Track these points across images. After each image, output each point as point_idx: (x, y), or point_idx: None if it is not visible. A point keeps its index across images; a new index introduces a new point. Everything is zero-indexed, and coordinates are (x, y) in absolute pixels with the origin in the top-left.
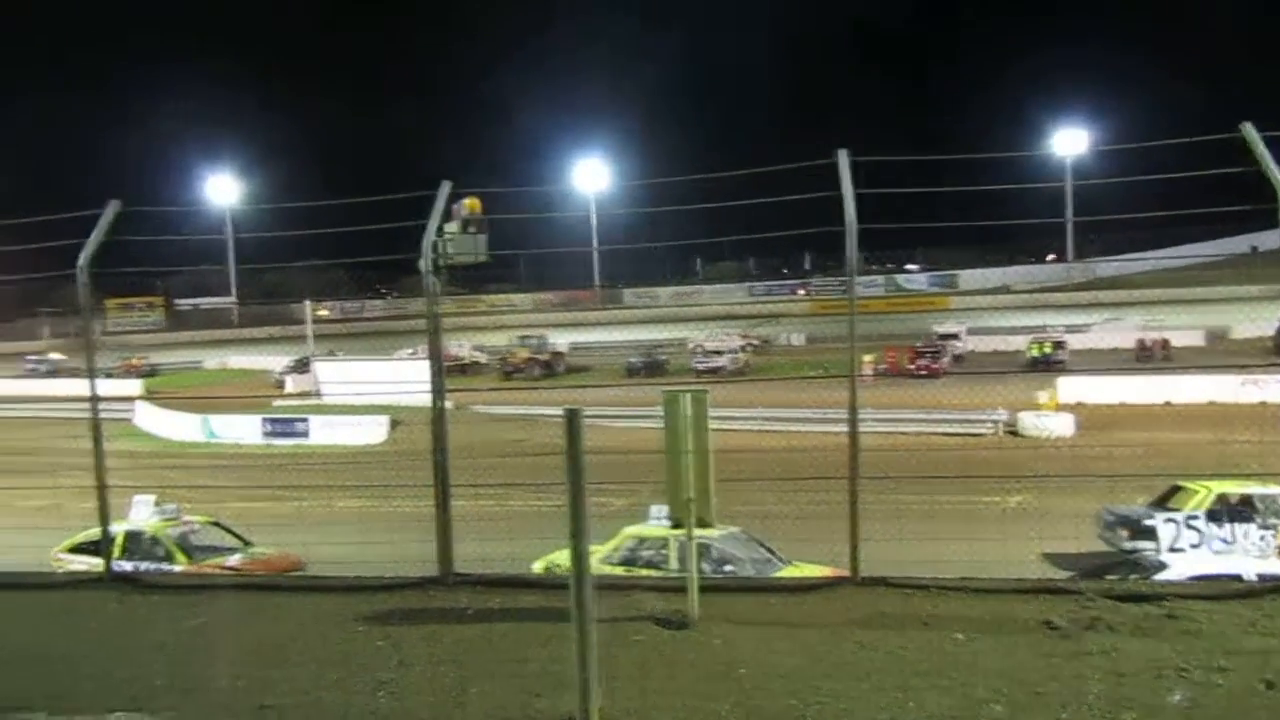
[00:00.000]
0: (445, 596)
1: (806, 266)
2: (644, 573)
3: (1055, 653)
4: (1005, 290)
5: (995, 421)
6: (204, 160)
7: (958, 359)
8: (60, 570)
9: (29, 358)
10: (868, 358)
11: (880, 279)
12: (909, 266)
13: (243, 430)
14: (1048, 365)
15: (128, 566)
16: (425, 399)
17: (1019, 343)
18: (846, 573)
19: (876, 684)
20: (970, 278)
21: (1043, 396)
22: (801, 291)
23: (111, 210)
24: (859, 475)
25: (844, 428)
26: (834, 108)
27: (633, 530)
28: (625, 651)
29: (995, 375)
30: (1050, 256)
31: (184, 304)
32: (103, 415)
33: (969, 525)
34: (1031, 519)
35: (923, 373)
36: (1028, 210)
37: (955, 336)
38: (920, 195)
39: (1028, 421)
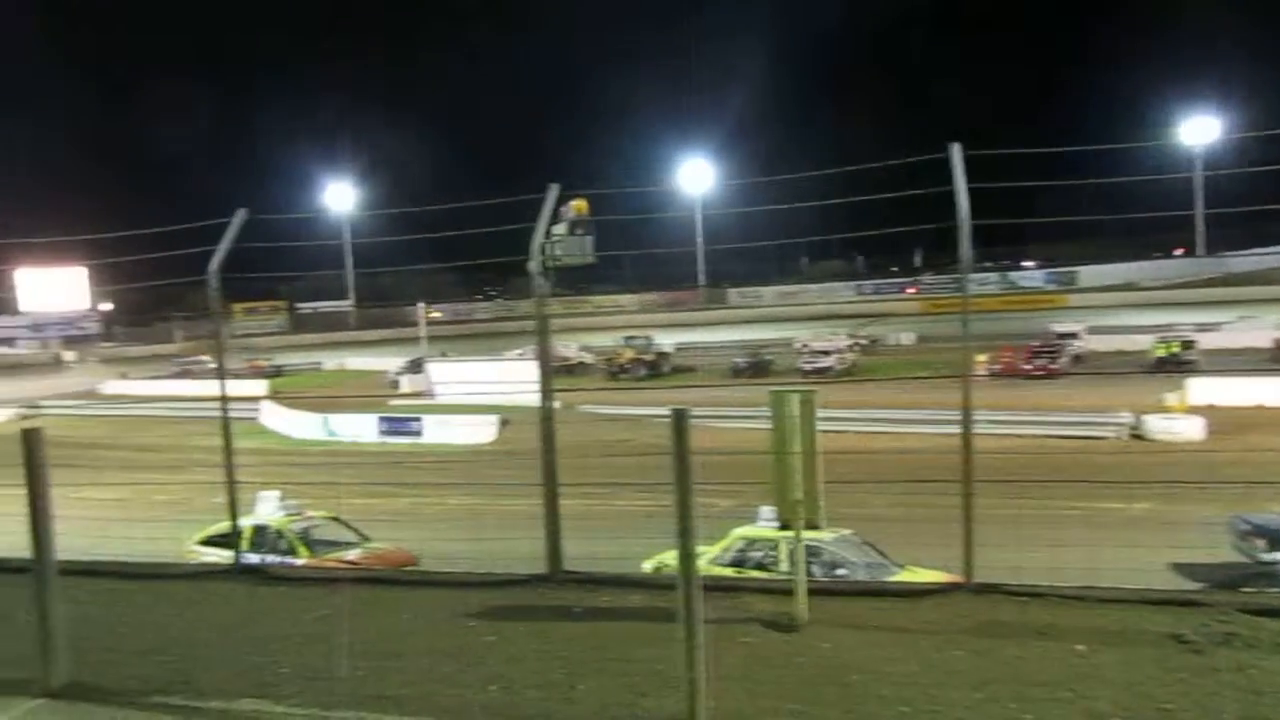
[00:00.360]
0: (554, 594)
1: (917, 264)
2: (754, 574)
3: (1185, 668)
4: (1130, 287)
5: (1119, 425)
6: (322, 168)
7: (1077, 359)
8: (193, 561)
9: (177, 360)
10: (981, 357)
11: (994, 276)
12: (1025, 263)
13: (360, 429)
14: (1176, 366)
15: (254, 559)
16: (533, 399)
17: (1144, 342)
18: (961, 579)
19: (992, 694)
20: (1091, 274)
21: (1171, 398)
22: (911, 290)
23: (239, 218)
24: (973, 479)
25: (956, 429)
26: (944, 100)
27: (742, 531)
28: (732, 653)
29: (1118, 376)
30: (1179, 251)
31: (305, 307)
32: (231, 414)
33: (1090, 532)
34: (1158, 527)
35: (1040, 373)
36: (1154, 203)
37: (1074, 335)
38: (1037, 189)
39: (1154, 425)
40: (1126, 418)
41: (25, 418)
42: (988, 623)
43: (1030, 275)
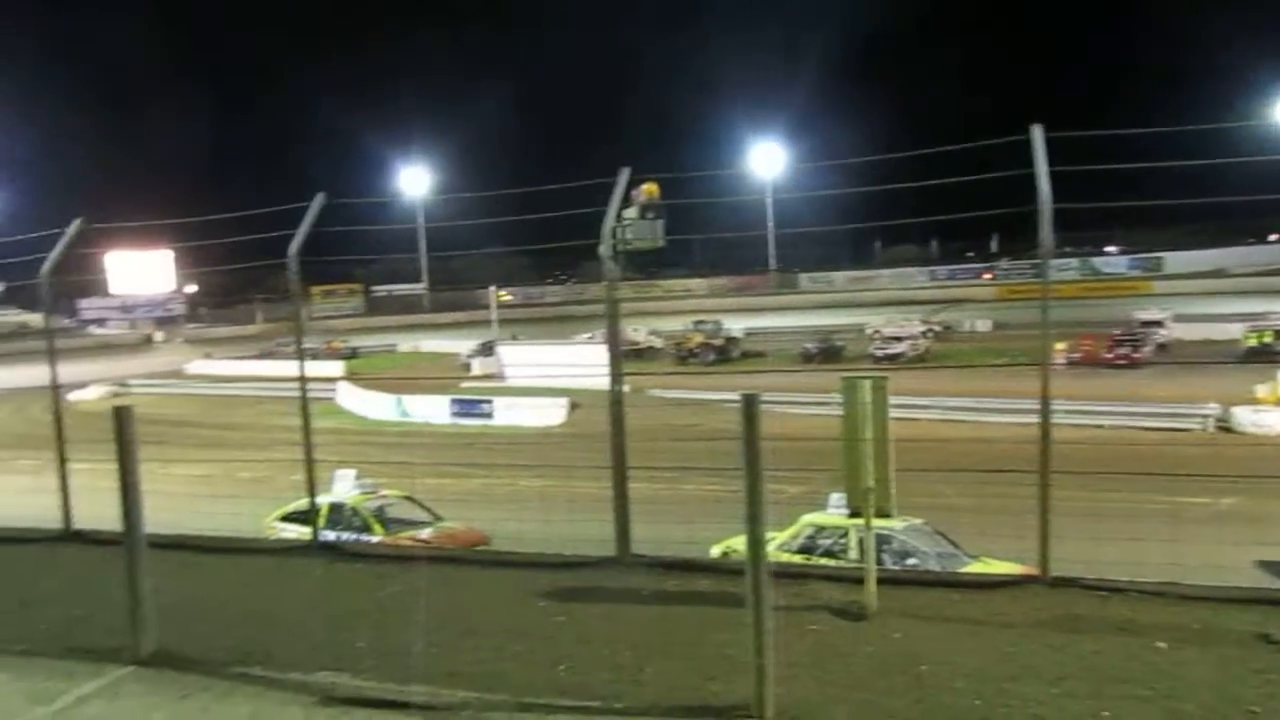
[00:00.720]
0: (622, 577)
1: (993, 249)
2: (822, 561)
3: (1273, 669)
4: (1220, 274)
5: (1205, 416)
6: (397, 153)
7: (1161, 348)
8: (273, 537)
9: (279, 340)
10: (1060, 345)
11: (1075, 262)
12: (1107, 249)
13: (432, 410)
14: (1268, 356)
15: (331, 536)
16: (602, 382)
17: (1234, 331)
18: (1036, 571)
19: (1068, 690)
20: (1177, 260)
21: (1262, 390)
22: (987, 275)
23: (318, 202)
24: (1051, 469)
25: (1034, 419)
26: (1024, 79)
27: (811, 518)
28: (801, 640)
29: (1206, 366)
30: (1273, 237)
31: (380, 290)
32: (309, 395)
33: (1173, 527)
34: (1245, 523)
35: (1122, 362)
36: (1247, 187)
37: (1159, 324)
38: (1121, 172)
39: (1243, 417)
40: (1213, 409)
41: (116, 395)
42: (1064, 617)
43: (1113, 261)
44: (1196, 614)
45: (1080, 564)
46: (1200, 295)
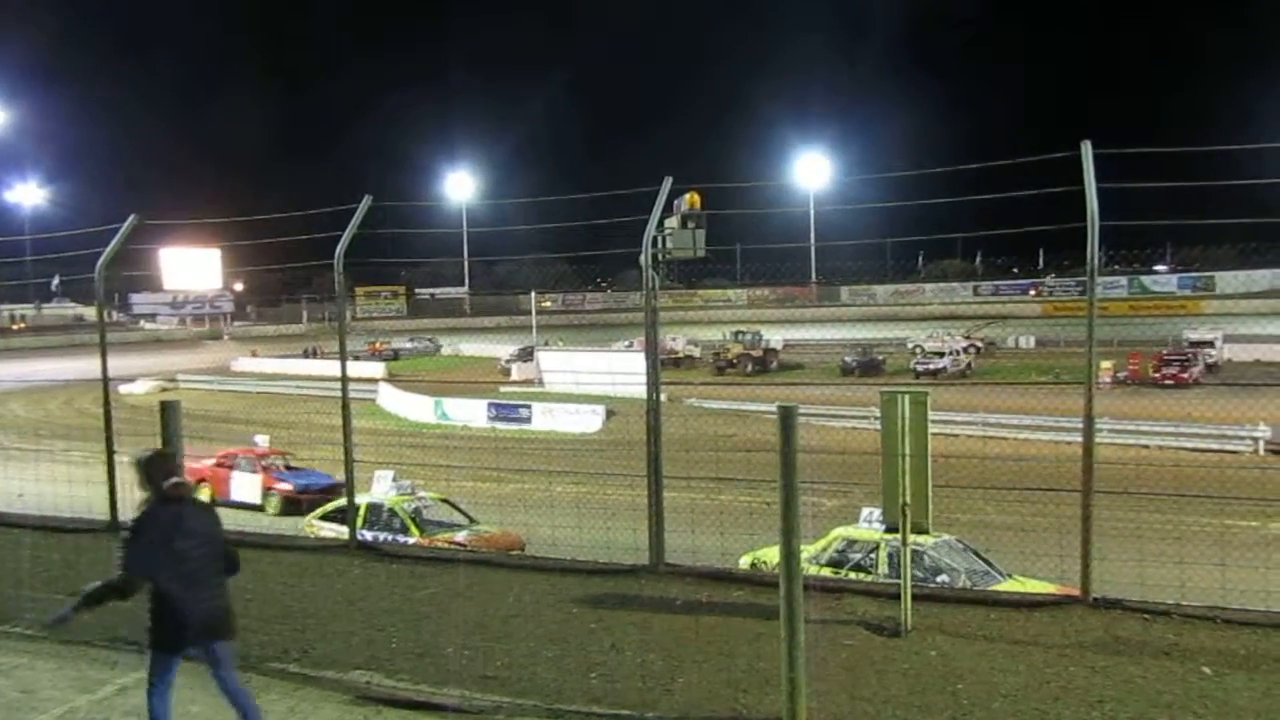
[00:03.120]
0: (656, 585)
1: (1039, 265)
2: (852, 576)
3: None
4: (1274, 294)
5: (1256, 438)
6: (443, 158)
7: (1211, 368)
8: (312, 535)
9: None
10: (1107, 364)
11: (1123, 279)
12: (1157, 267)
13: (471, 413)
14: None
15: (368, 536)
16: (640, 390)
17: None
18: (1076, 591)
19: (1109, 713)
20: (1230, 279)
21: None
22: (1033, 292)
23: (364, 205)
24: (1094, 489)
25: (1078, 437)
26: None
27: (843, 531)
28: (834, 655)
29: (1258, 387)
30: None
31: (423, 293)
32: (351, 395)
33: (1221, 550)
34: None
35: (1169, 382)
36: None
37: (1209, 344)
38: (1173, 190)
39: None
40: (1264, 431)
41: (164, 390)
42: (1107, 639)
43: (1163, 279)
44: (1243, 639)
45: (1124, 585)
46: (1252, 315)
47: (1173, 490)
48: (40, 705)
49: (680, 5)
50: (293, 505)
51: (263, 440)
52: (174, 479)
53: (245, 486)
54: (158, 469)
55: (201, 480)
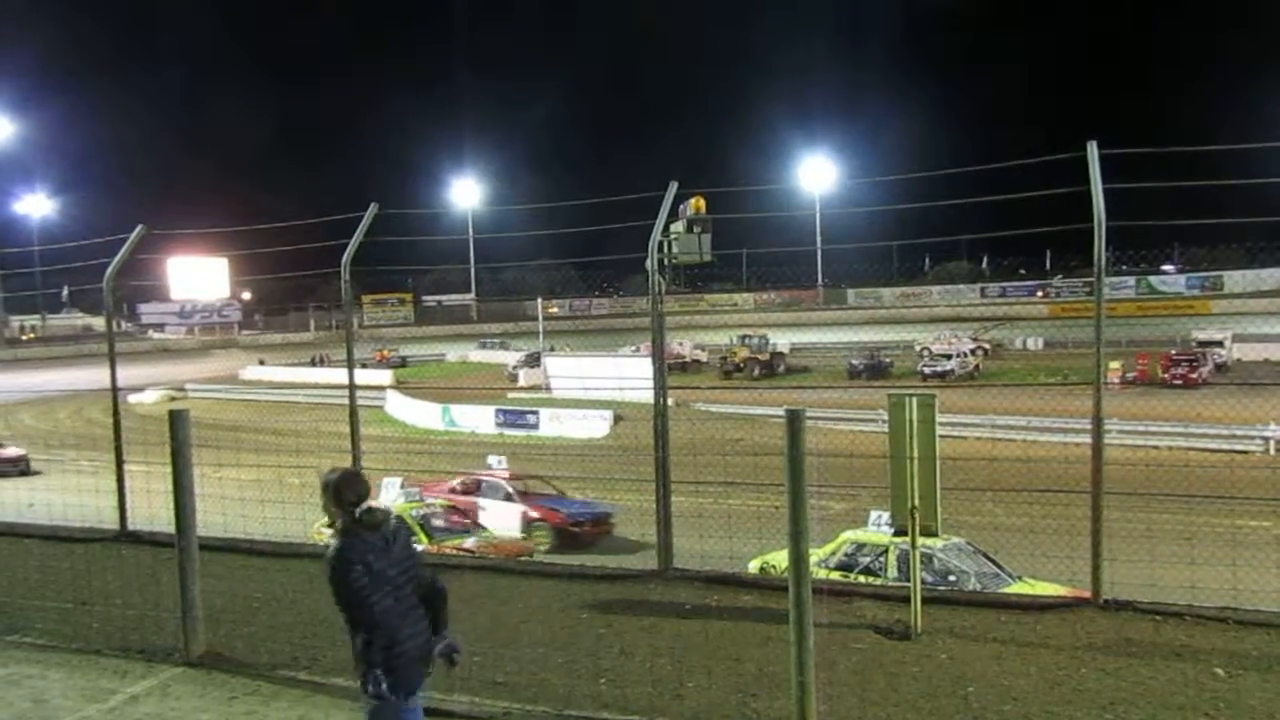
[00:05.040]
0: (665, 590)
1: (1047, 266)
2: (861, 579)
3: None
4: None
5: (1266, 438)
6: (448, 165)
7: (1220, 368)
8: (321, 542)
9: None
10: (1115, 365)
11: (1131, 280)
12: (1165, 267)
13: (478, 420)
14: None
15: None
16: (647, 395)
17: None
18: (1086, 593)
19: (1121, 716)
20: (1238, 279)
21: None
22: (1040, 293)
23: (370, 212)
24: (1104, 490)
25: (1087, 438)
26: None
27: (851, 534)
28: (844, 659)
29: (1268, 387)
30: None
31: (430, 300)
32: (358, 403)
33: (1231, 551)
34: None
35: (1178, 382)
36: None
37: (1218, 343)
38: (1180, 190)
39: None
40: (1274, 431)
41: (173, 399)
42: (1117, 641)
43: (1171, 280)
44: (1255, 640)
45: (1134, 587)
46: (1261, 315)
47: (1183, 491)
48: (51, 714)
49: (684, 10)
50: (567, 538)
51: (497, 461)
52: (368, 504)
53: (500, 517)
54: (350, 490)
55: None
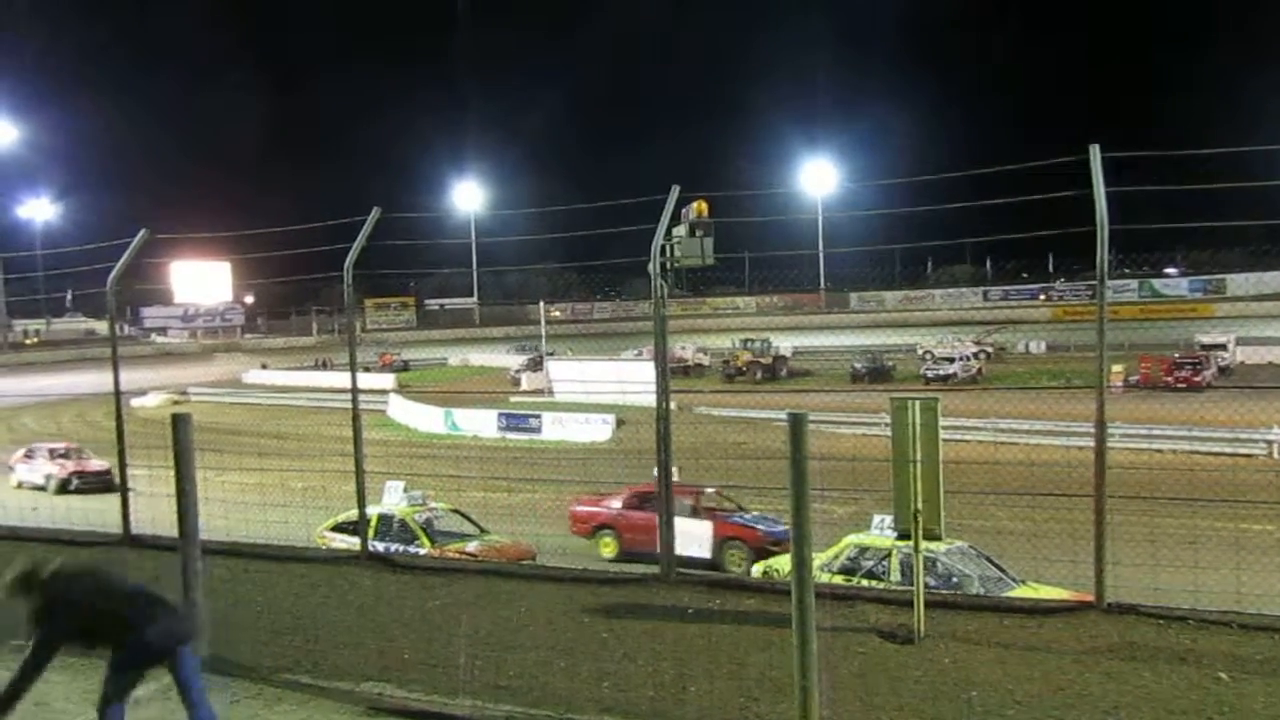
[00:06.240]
0: (667, 594)
1: (1049, 269)
2: (864, 583)
3: None
4: None
5: (1270, 441)
6: (451, 169)
7: (1223, 371)
8: (324, 547)
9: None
10: (1118, 368)
11: (1134, 283)
12: (1168, 270)
13: (481, 424)
14: None
15: (380, 547)
16: (649, 399)
17: None
18: (1090, 597)
19: None
20: (1241, 282)
21: None
22: (1043, 296)
23: (373, 216)
24: (1107, 493)
25: (1090, 442)
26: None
27: (854, 538)
28: (847, 662)
29: (1271, 390)
30: None
31: (432, 304)
32: (361, 407)
33: (1236, 554)
34: None
35: (1181, 385)
36: None
37: (1222, 347)
38: (1183, 193)
39: None
40: (1278, 434)
41: (176, 403)
42: (1121, 644)
43: (1174, 283)
44: (1259, 644)
45: (1138, 591)
46: (1264, 318)
47: (1186, 494)
48: (53, 718)
49: (687, 14)
50: (763, 558)
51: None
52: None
53: (689, 536)
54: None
55: (602, 527)
